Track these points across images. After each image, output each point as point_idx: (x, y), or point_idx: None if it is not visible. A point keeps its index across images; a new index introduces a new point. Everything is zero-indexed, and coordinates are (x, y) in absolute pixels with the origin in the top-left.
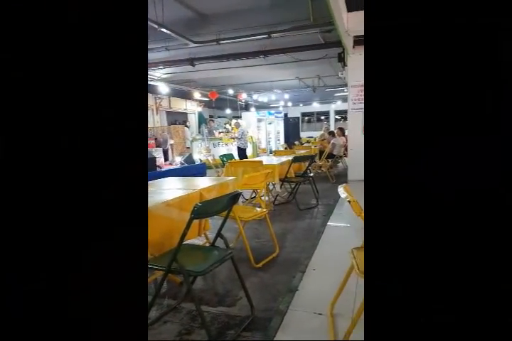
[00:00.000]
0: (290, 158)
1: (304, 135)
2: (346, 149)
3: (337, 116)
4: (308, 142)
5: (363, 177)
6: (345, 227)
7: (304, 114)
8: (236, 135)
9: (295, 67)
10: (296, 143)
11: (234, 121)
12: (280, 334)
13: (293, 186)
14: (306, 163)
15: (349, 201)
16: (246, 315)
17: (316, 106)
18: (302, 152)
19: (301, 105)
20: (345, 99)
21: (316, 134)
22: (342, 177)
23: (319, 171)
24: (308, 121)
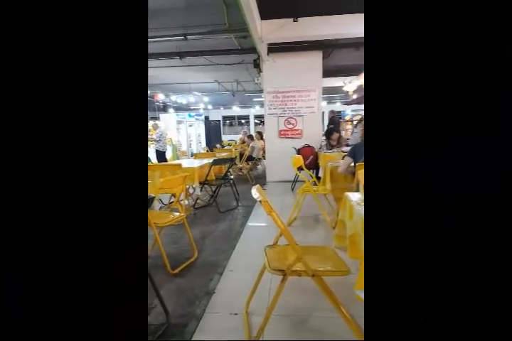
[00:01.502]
0: (211, 160)
1: (225, 138)
2: (265, 152)
3: (257, 120)
4: (229, 145)
5: (280, 179)
6: (263, 227)
7: (225, 117)
8: (154, 137)
9: (213, 70)
10: (218, 146)
11: (151, 123)
12: (196, 337)
13: (214, 189)
14: (227, 166)
15: (260, 201)
16: (161, 322)
17: (236, 110)
18: (223, 154)
19: (222, 108)
20: (263, 104)
21: (238, 137)
22: (261, 179)
23: (240, 173)
24: (230, 125)
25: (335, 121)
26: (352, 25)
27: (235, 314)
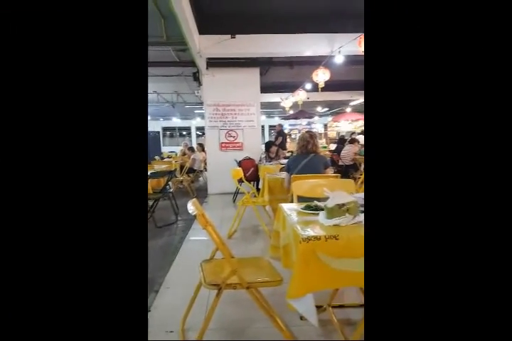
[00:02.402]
0: (148, 173)
1: (166, 149)
2: (206, 164)
3: (198, 132)
4: (169, 157)
5: (222, 191)
6: (204, 240)
7: (165, 129)
8: None
9: (152, 81)
10: (157, 157)
11: None
12: None
13: (151, 203)
14: (166, 179)
15: (195, 215)
16: None
17: (177, 122)
18: (162, 167)
19: (161, 119)
20: (203, 116)
21: (179, 149)
22: (203, 191)
23: (181, 186)
24: (171, 136)
25: (283, 133)
26: (287, 45)
27: (171, 331)
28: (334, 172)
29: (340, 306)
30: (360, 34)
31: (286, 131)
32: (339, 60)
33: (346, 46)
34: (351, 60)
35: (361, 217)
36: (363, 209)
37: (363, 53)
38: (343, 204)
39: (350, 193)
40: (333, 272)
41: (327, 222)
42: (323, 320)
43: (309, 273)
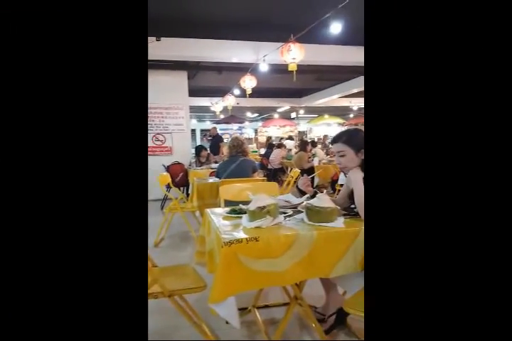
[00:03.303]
0: None
1: None
2: None
3: None
4: None
5: (150, 198)
6: None
7: None
8: None
9: None
10: None
11: None
12: None
13: None
14: None
15: None
16: None
17: None
18: None
19: None
20: None
21: None
22: None
23: None
24: None
25: (219, 137)
26: (214, 50)
27: None
28: (264, 176)
29: (265, 306)
30: (282, 44)
31: None
32: (264, 68)
33: (270, 55)
34: (276, 68)
35: (280, 218)
36: (282, 210)
37: (285, 62)
38: (264, 207)
39: (273, 196)
40: (255, 273)
41: (249, 225)
42: (248, 322)
43: (231, 277)
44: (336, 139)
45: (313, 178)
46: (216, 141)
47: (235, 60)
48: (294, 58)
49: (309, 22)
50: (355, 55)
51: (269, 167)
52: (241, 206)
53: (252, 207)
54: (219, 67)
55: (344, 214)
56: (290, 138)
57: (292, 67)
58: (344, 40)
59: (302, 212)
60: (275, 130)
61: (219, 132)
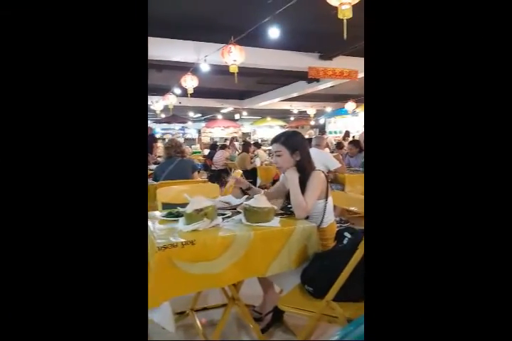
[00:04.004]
0: None
1: None
2: None
3: None
4: None
5: None
6: None
7: None
8: None
9: None
10: None
11: None
12: None
13: None
14: None
15: None
16: None
17: None
18: None
19: None
20: None
21: None
22: None
23: None
24: None
25: (151, 136)
26: (154, 48)
27: None
28: (208, 177)
29: (204, 309)
30: (223, 45)
31: (158, 136)
32: (205, 68)
33: (212, 56)
34: (218, 69)
35: (218, 220)
36: (221, 211)
37: (227, 64)
38: (201, 209)
39: (214, 197)
40: (191, 277)
41: (185, 228)
42: (187, 325)
43: (165, 282)
44: (275, 140)
45: (255, 179)
46: (149, 141)
47: (175, 59)
48: (235, 60)
49: (251, 25)
50: (294, 60)
51: (213, 168)
52: (179, 209)
53: (188, 209)
54: (159, 65)
55: (281, 214)
56: (234, 139)
57: (233, 69)
58: (285, 45)
59: (241, 212)
60: (219, 131)
61: (162, 132)
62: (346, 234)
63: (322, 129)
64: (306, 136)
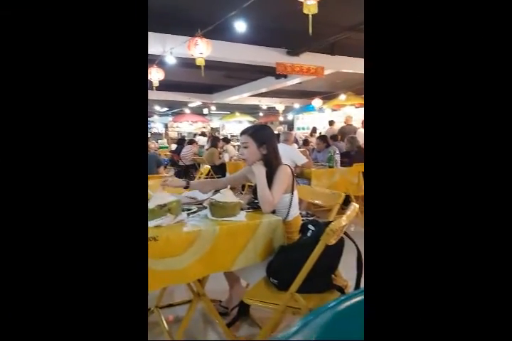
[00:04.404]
0: None
1: None
2: None
3: None
4: None
5: None
6: None
7: None
8: None
9: None
10: None
11: None
12: None
13: None
14: None
15: None
16: None
17: None
18: None
19: None
20: None
21: None
22: None
23: None
24: None
25: None
26: None
27: None
28: (175, 172)
29: (169, 305)
30: (189, 38)
31: None
32: (171, 60)
33: (178, 48)
34: (185, 62)
35: (183, 216)
36: (186, 207)
37: (193, 57)
38: (165, 205)
39: (179, 193)
40: (155, 273)
41: (148, 224)
42: (152, 323)
43: None
44: (243, 131)
45: (224, 174)
46: None
47: None
48: (201, 53)
49: (218, 19)
50: (262, 55)
51: (181, 163)
52: None
53: (151, 205)
54: None
55: (248, 208)
56: (203, 134)
57: (200, 62)
58: (252, 40)
59: (207, 208)
60: (187, 125)
61: None
62: (310, 226)
63: (291, 125)
64: (276, 132)
